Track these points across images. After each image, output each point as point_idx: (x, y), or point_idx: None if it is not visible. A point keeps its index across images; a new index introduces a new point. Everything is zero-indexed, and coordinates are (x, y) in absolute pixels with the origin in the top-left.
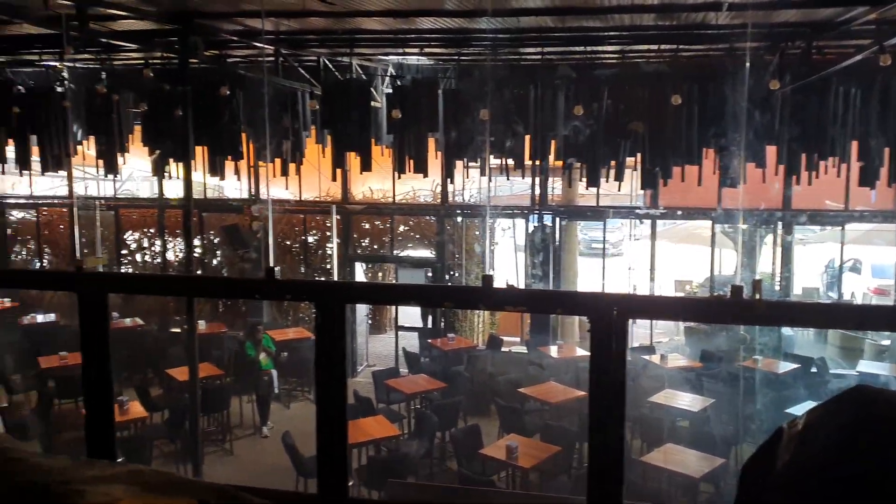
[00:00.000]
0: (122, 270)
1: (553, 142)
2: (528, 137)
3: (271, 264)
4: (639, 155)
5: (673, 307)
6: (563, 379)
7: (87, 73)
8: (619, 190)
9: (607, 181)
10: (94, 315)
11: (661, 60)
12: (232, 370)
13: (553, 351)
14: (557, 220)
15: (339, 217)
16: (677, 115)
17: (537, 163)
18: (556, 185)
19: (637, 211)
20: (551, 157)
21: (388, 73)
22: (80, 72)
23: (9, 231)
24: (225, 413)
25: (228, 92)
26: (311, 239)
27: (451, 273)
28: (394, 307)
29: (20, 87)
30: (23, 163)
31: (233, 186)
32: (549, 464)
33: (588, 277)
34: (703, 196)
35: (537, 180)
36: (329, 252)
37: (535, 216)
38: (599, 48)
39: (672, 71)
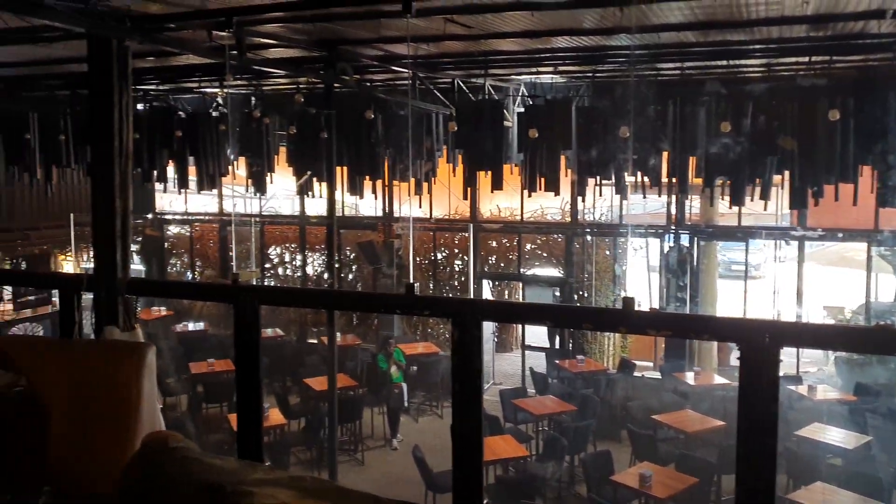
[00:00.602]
0: (266, 283)
1: (692, 159)
2: (665, 154)
3: (410, 280)
4: (786, 172)
5: (831, 335)
6: (700, 407)
7: (239, 98)
8: (765, 209)
9: (752, 200)
10: (248, 325)
11: (813, 73)
12: (364, 382)
13: (689, 377)
14: (696, 239)
15: (466, 234)
16: (831, 129)
17: (674, 180)
18: (693, 204)
19: (792, 232)
20: (691, 175)
21: (521, 93)
22: (233, 97)
23: (166, 245)
24: (357, 423)
25: (373, 115)
26: (439, 256)
27: (580, 293)
28: (520, 326)
29: (181, 113)
30: (181, 182)
31: (366, 204)
32: (685, 495)
33: (728, 301)
34: (854, 216)
35: (674, 198)
36: (457, 269)
37: (671, 235)
38: (743, 62)
39: (829, 84)
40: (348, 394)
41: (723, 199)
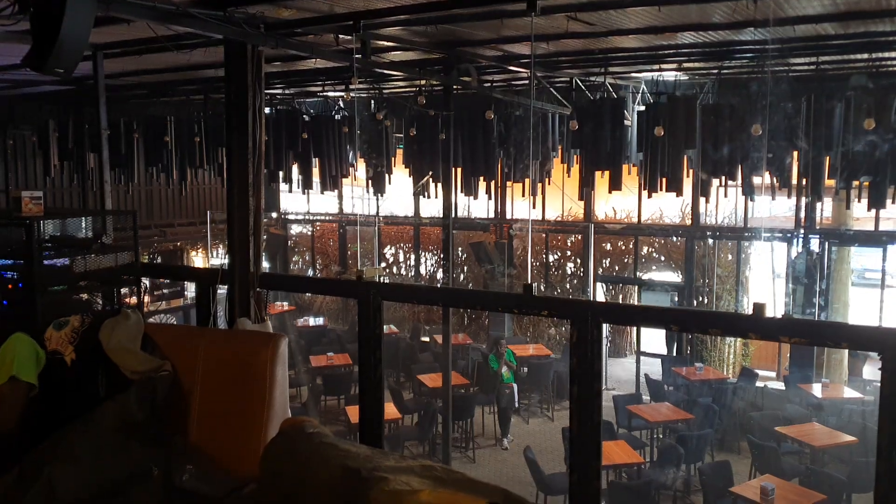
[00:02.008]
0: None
1: (828, 159)
2: (795, 154)
3: (528, 281)
4: None
5: None
6: (829, 421)
7: (359, 100)
8: None
9: (893, 202)
10: (372, 319)
11: None
12: (476, 381)
13: (816, 389)
14: (827, 244)
15: (580, 236)
16: None
17: (804, 181)
18: (824, 206)
19: None
20: (825, 176)
21: (641, 91)
22: (354, 100)
23: (290, 243)
24: (469, 422)
25: (493, 116)
26: (551, 258)
27: (700, 299)
28: (634, 331)
29: (305, 116)
30: (305, 183)
31: (476, 205)
32: None
33: (861, 310)
34: None
35: (804, 201)
36: (570, 272)
37: (801, 239)
38: (887, 54)
39: None
40: (460, 392)
41: (859, 201)
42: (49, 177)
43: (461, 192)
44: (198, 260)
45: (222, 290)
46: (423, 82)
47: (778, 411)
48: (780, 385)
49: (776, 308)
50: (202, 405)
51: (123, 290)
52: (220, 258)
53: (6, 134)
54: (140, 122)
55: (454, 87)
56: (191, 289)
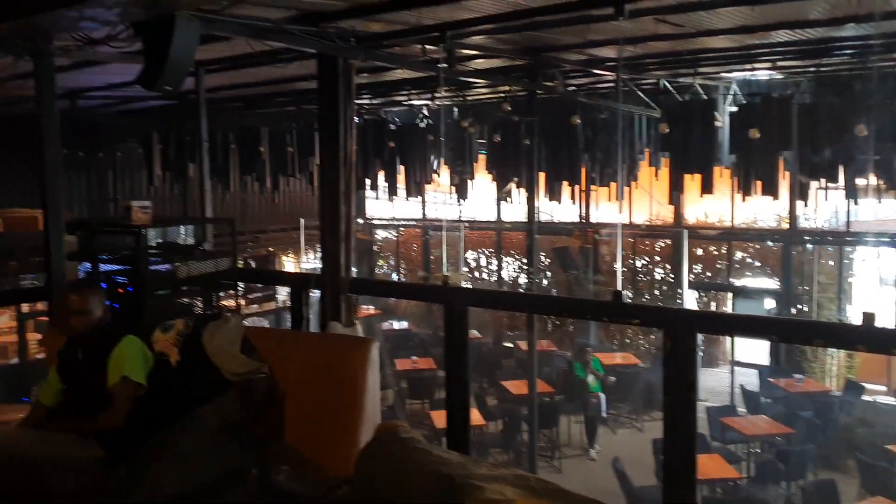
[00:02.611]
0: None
1: None
2: None
3: (618, 287)
4: None
5: None
6: None
7: (442, 108)
8: None
9: None
10: (458, 324)
11: None
12: (561, 389)
13: None
14: None
15: (668, 241)
16: None
17: None
18: None
19: None
20: None
21: (732, 91)
22: (440, 108)
23: (374, 248)
24: (555, 430)
25: (580, 121)
26: (638, 263)
27: (799, 307)
28: (728, 340)
29: (391, 125)
30: (391, 189)
31: (558, 210)
32: None
33: None
34: None
35: None
36: (658, 278)
37: None
38: None
39: None
40: (545, 400)
41: None
42: (152, 186)
43: (545, 196)
44: (288, 264)
45: (314, 294)
46: (506, 89)
47: (889, 428)
48: (891, 399)
49: (885, 318)
50: (296, 407)
51: (221, 294)
52: (309, 263)
53: (115, 147)
54: (236, 134)
55: (538, 92)
56: (282, 292)
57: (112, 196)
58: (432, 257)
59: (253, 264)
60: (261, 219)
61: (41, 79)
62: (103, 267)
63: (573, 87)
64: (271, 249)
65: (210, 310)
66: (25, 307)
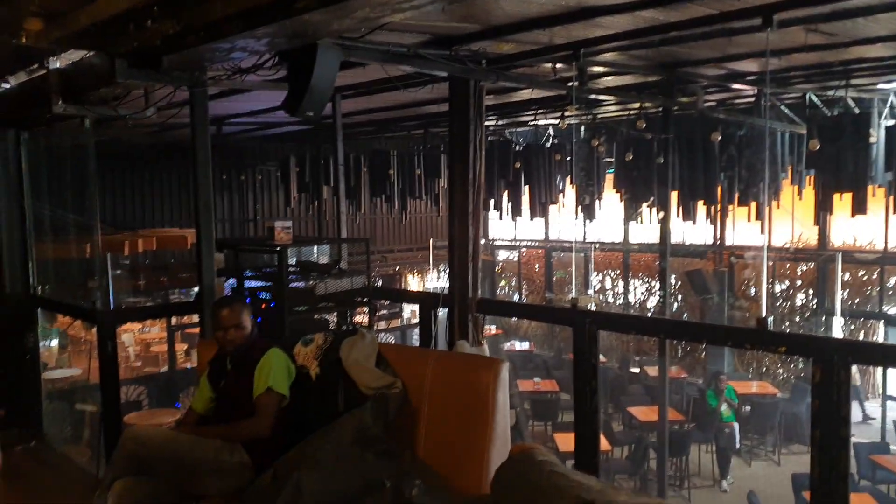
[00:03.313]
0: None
1: None
2: None
3: (762, 314)
4: None
5: None
6: None
7: (574, 127)
8: None
9: None
10: (587, 348)
11: None
12: (691, 417)
13: None
14: None
15: (811, 265)
16: None
17: None
18: None
19: None
20: None
21: (889, 103)
22: (571, 127)
23: (496, 268)
24: (684, 459)
25: (720, 137)
26: (777, 288)
27: None
28: (879, 371)
29: (516, 145)
30: (514, 210)
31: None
32: None
33: None
34: None
35: None
36: (798, 304)
37: None
38: None
39: None
40: (674, 428)
41: None
42: (289, 207)
43: (678, 217)
44: (413, 283)
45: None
46: (637, 106)
47: None
48: None
49: None
50: (429, 423)
51: (356, 311)
52: (433, 282)
53: (255, 170)
54: (367, 157)
55: (673, 108)
56: (406, 311)
57: (252, 216)
58: (555, 278)
59: (380, 282)
60: (388, 239)
61: (195, 107)
62: (248, 283)
63: (711, 103)
64: (398, 269)
65: (345, 325)
66: (174, 320)
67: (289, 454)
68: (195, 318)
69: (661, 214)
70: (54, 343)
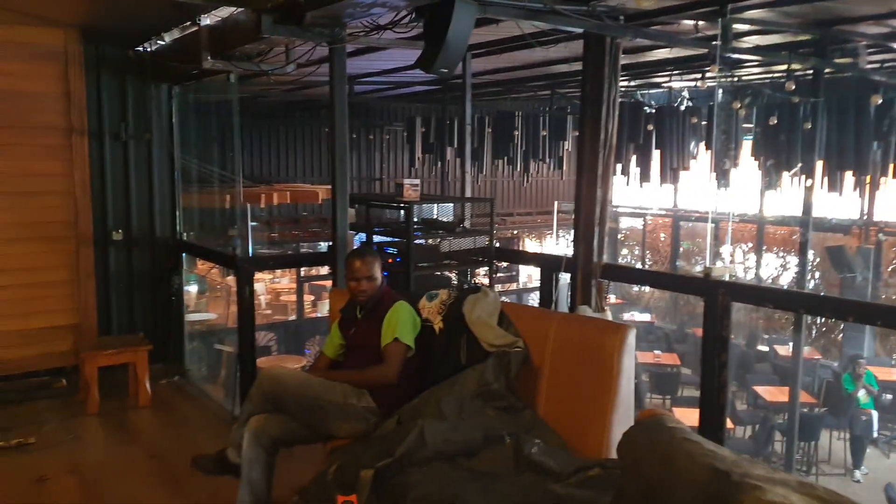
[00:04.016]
0: None
1: None
2: None
3: None
4: None
5: None
6: None
7: (709, 90)
8: None
9: None
10: (719, 320)
11: None
12: (823, 401)
13: None
14: None
15: None
16: None
17: None
18: None
19: None
20: None
21: None
22: (701, 90)
23: (619, 236)
24: (813, 445)
25: (881, 101)
26: None
27: None
28: None
29: (647, 107)
30: (644, 175)
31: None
32: None
33: None
34: None
35: None
36: None
37: None
38: None
39: None
40: (803, 410)
41: None
42: (413, 167)
43: (821, 187)
44: (530, 248)
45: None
46: (785, 67)
47: None
48: None
49: None
50: (550, 384)
51: (478, 271)
52: (551, 247)
53: (382, 130)
54: (491, 118)
55: (825, 70)
56: (522, 275)
57: (378, 175)
58: (681, 249)
59: (497, 245)
60: (508, 202)
61: (334, 63)
62: (376, 238)
63: (871, 65)
64: (516, 232)
65: (466, 283)
66: (303, 272)
67: (413, 402)
68: (322, 271)
69: (809, 182)
70: (193, 288)
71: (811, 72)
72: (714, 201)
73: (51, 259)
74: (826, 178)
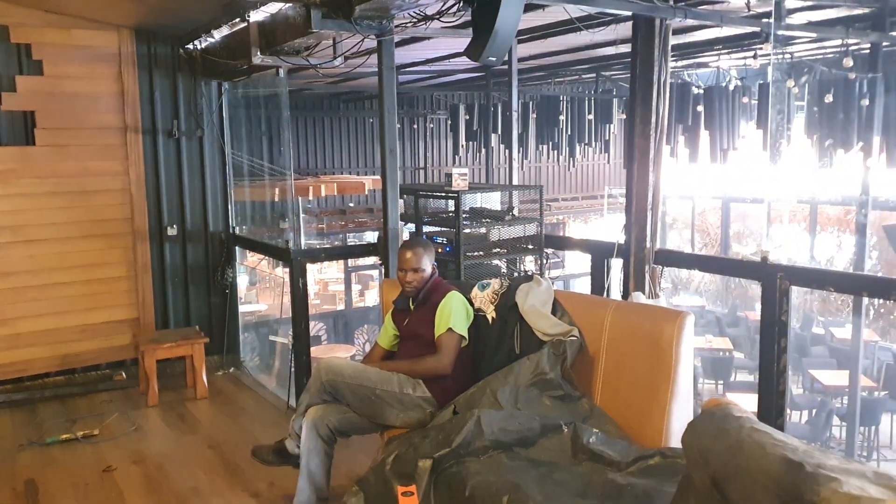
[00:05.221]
0: None
1: None
2: None
3: None
4: None
5: None
6: None
7: (760, 68)
8: None
9: None
10: (778, 305)
11: None
12: (883, 384)
13: None
14: None
15: None
16: None
17: None
18: None
19: None
20: None
21: None
22: (754, 67)
23: (666, 219)
24: (873, 429)
25: None
26: None
27: None
28: None
29: (695, 88)
30: (693, 156)
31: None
32: None
33: None
34: None
35: None
36: None
37: None
38: None
39: None
40: (863, 394)
41: None
42: (457, 155)
43: (880, 165)
44: (576, 232)
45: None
46: (840, 42)
47: None
48: None
49: None
50: (606, 373)
51: (529, 258)
52: (596, 231)
53: (426, 119)
54: (536, 103)
55: (883, 44)
56: (568, 262)
57: (423, 164)
58: (732, 232)
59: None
60: (553, 187)
61: (383, 55)
62: (426, 228)
63: None
64: (561, 218)
65: (516, 272)
66: (350, 262)
67: (469, 392)
68: (369, 261)
69: (867, 160)
70: (244, 280)
71: (868, 46)
72: (767, 182)
73: (109, 255)
74: (884, 155)
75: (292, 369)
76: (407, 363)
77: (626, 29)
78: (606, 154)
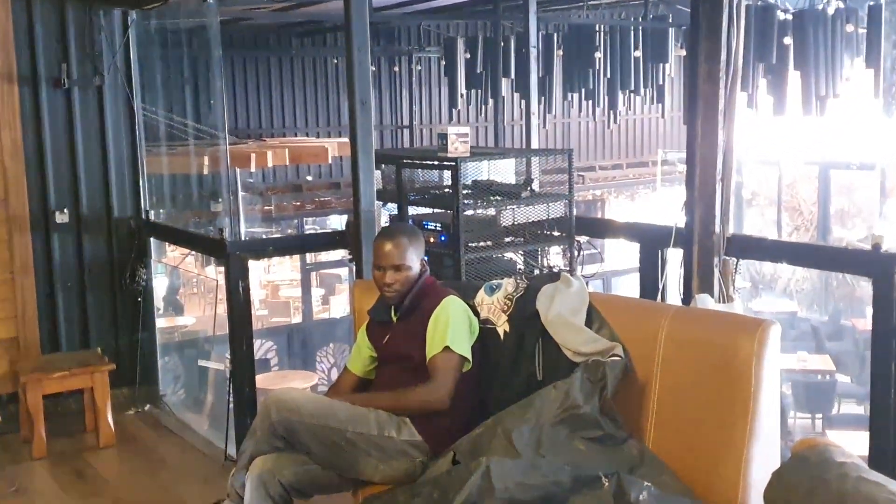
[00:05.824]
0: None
1: None
2: None
3: None
4: None
5: None
6: None
7: None
8: None
9: None
10: (889, 305)
11: None
12: None
13: None
14: None
15: None
16: None
17: None
18: None
19: None
20: None
21: None
22: None
23: (743, 192)
24: None
25: None
26: None
27: None
28: None
29: (781, 13)
30: (778, 107)
31: None
32: None
33: None
34: None
35: None
36: None
37: None
38: None
39: None
40: None
41: None
42: (455, 109)
43: None
44: (620, 213)
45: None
46: None
47: None
48: None
49: None
50: (661, 404)
51: (554, 249)
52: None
53: (411, 59)
54: (560, 36)
55: None
56: (610, 253)
57: (408, 122)
58: (833, 210)
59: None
60: (587, 151)
61: None
62: (412, 210)
63: None
64: (601, 193)
65: (541, 268)
66: (310, 258)
67: (474, 433)
68: (335, 256)
69: None
70: (163, 284)
71: None
72: (881, 141)
73: None
74: None
75: (231, 406)
76: (388, 396)
77: None
78: (660, 105)
